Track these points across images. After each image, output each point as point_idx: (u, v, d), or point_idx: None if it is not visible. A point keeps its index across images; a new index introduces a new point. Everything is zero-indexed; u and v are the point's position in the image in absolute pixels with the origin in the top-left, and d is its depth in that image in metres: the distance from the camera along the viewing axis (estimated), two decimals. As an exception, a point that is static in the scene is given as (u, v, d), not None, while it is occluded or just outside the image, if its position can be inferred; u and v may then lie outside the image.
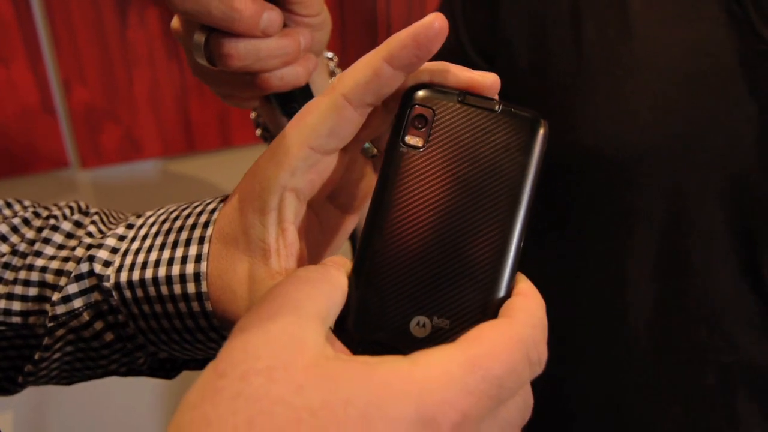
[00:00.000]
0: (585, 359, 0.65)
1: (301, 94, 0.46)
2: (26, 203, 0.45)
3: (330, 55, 0.54)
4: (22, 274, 0.41)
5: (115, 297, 0.38)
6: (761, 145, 0.54)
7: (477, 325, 0.26)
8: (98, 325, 0.39)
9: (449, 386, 0.23)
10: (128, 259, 0.37)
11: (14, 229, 0.43)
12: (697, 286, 0.58)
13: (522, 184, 0.30)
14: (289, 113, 0.47)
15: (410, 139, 0.30)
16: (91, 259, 0.38)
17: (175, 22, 0.42)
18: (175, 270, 0.36)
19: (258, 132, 0.56)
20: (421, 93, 0.31)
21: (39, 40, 0.88)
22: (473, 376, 0.24)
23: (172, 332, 0.38)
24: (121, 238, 0.39)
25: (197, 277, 0.35)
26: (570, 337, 0.66)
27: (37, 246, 0.41)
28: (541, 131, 0.30)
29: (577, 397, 0.66)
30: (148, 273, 0.37)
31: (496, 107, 0.31)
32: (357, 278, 0.30)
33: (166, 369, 0.44)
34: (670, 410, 0.61)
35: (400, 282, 0.30)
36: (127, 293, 0.37)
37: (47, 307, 0.39)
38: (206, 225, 0.36)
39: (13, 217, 0.43)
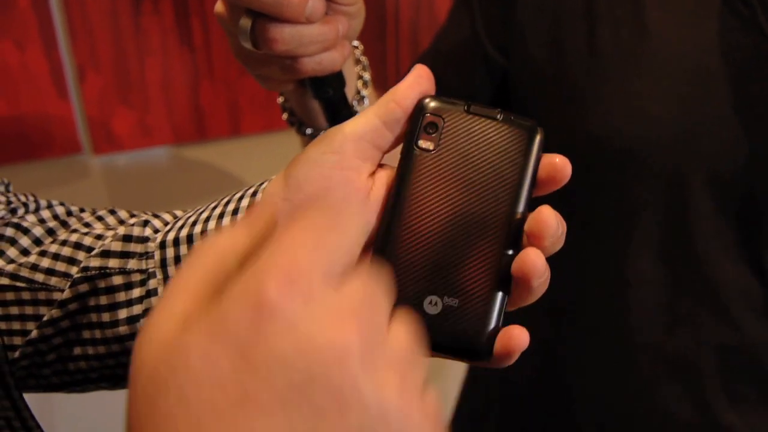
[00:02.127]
0: (589, 342, 0.67)
1: (335, 80, 0.48)
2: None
3: (356, 44, 0.56)
4: (62, 236, 0.41)
5: (156, 258, 0.37)
6: (763, 141, 0.57)
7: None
8: (121, 296, 0.38)
9: None
10: (179, 223, 0.38)
11: (69, 213, 0.44)
12: (701, 271, 0.60)
13: (521, 182, 0.34)
14: (322, 97, 0.49)
15: (423, 143, 0.35)
16: (146, 223, 0.39)
17: (219, 7, 0.44)
18: (226, 221, 0.36)
19: (284, 116, 0.58)
20: (432, 103, 0.35)
21: (54, 26, 0.89)
22: None
23: None
24: (175, 216, 0.40)
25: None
26: (575, 320, 0.68)
27: (88, 219, 0.42)
28: (538, 137, 0.35)
29: (582, 384, 0.68)
30: (197, 228, 0.37)
31: (498, 116, 0.35)
32: (378, 264, 0.34)
33: None
34: (673, 390, 0.63)
35: (416, 266, 0.34)
36: (170, 252, 0.37)
37: (74, 270, 0.39)
38: (254, 194, 0.37)
39: (71, 206, 0.44)
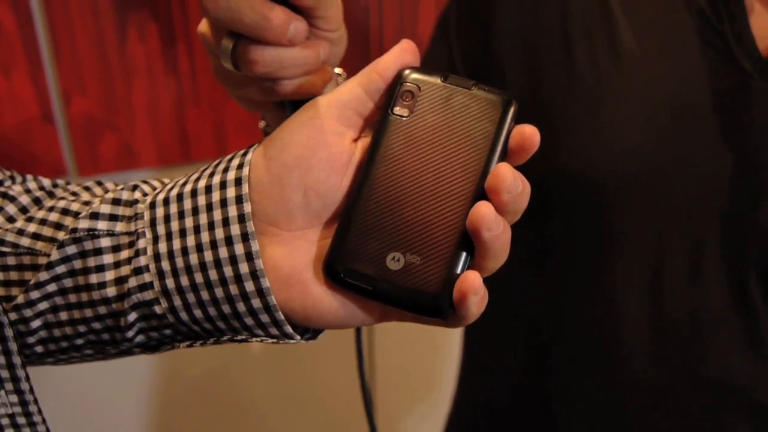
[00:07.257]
0: (577, 378, 0.67)
1: None
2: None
3: (339, 71, 0.57)
4: (49, 203, 0.41)
5: (146, 218, 0.37)
6: (742, 172, 0.57)
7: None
8: (109, 257, 0.38)
9: None
10: (169, 185, 0.39)
11: (54, 185, 0.44)
12: (687, 306, 0.60)
13: (491, 149, 0.35)
14: None
15: (398, 110, 0.37)
16: (135, 187, 0.39)
17: (203, 26, 0.45)
18: (216, 179, 0.37)
19: (267, 140, 0.58)
20: (410, 73, 0.37)
21: (40, 51, 0.90)
22: None
23: (201, 251, 0.36)
24: (164, 183, 0.41)
25: (238, 181, 0.37)
26: (562, 357, 0.67)
27: (74, 189, 0.42)
28: (512, 108, 0.36)
29: (568, 414, 0.67)
30: (187, 187, 0.37)
31: (473, 87, 0.36)
32: (345, 221, 0.36)
33: (155, 339, 0.40)
34: (663, 424, 0.63)
35: (379, 223, 0.35)
36: (159, 211, 0.37)
37: (61, 235, 0.38)
38: (245, 154, 0.39)
39: (56, 179, 0.44)
